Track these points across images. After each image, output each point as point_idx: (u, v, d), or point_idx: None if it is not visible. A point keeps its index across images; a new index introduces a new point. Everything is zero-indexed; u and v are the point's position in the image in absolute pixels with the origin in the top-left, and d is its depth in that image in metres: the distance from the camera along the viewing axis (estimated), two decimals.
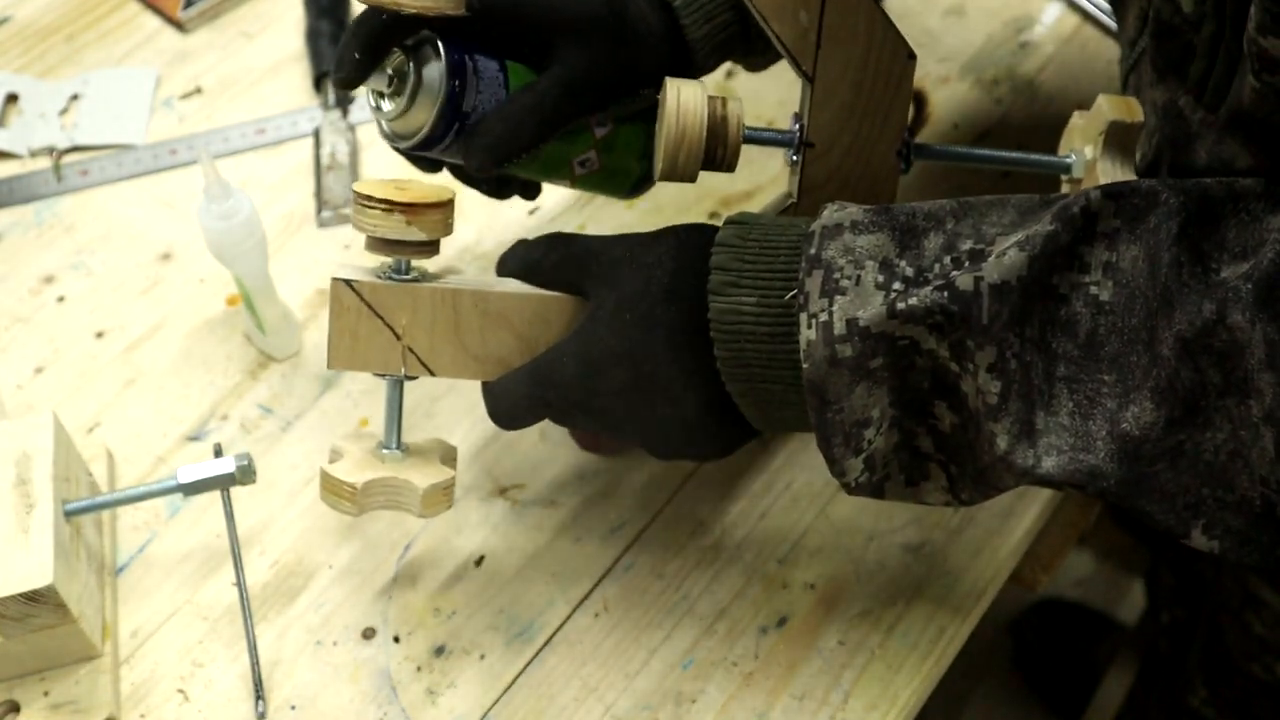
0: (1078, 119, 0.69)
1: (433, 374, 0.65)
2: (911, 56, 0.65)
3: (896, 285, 0.56)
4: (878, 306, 0.55)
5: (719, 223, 0.88)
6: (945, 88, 0.96)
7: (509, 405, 0.65)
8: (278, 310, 0.82)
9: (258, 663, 0.70)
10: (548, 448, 0.76)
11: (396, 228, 0.62)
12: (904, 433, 0.59)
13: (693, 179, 0.65)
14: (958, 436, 0.58)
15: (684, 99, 0.63)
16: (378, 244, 0.63)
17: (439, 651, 0.72)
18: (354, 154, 0.93)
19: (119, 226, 0.90)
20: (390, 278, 0.64)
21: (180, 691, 0.70)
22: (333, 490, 0.64)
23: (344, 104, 0.95)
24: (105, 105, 0.96)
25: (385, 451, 0.66)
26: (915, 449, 0.59)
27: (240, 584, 0.71)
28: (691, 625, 0.72)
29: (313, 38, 0.97)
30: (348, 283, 0.63)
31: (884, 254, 0.57)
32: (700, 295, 0.60)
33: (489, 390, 0.66)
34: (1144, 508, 0.55)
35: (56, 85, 0.97)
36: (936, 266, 0.56)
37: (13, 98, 0.97)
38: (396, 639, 0.72)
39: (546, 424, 0.67)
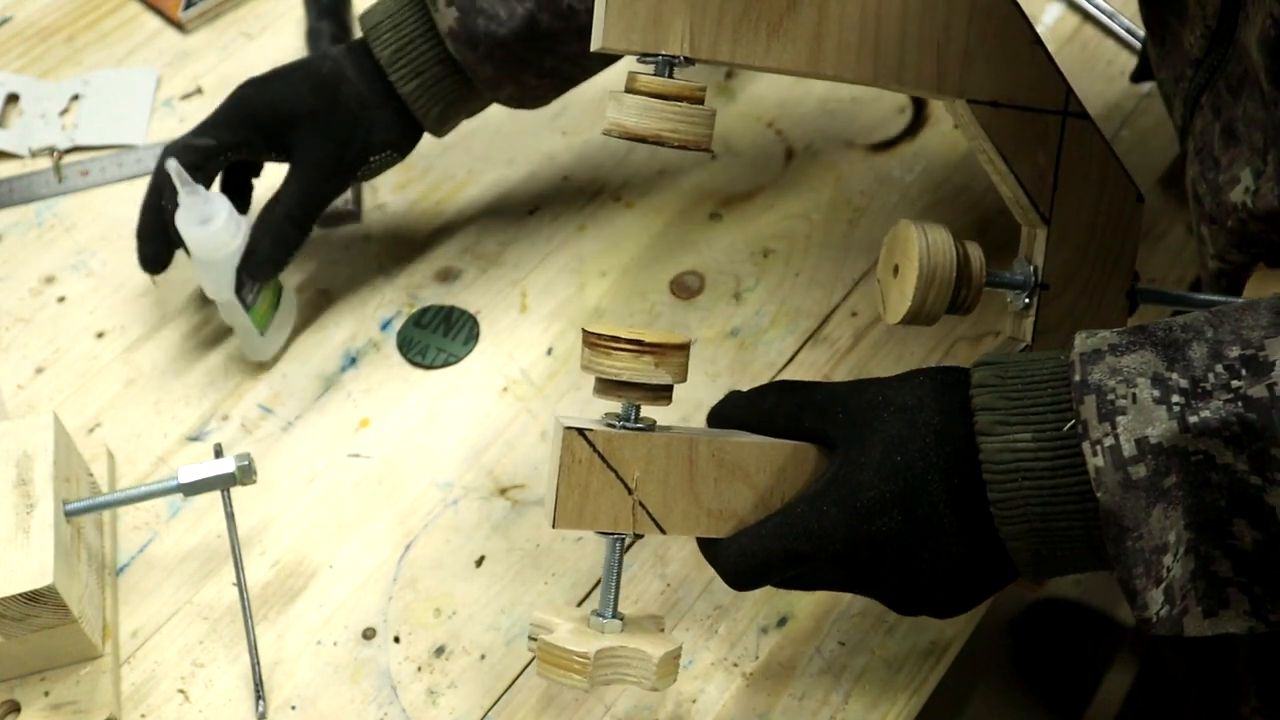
0: (1263, 271, 0.70)
1: (663, 531, 0.61)
2: (1140, 199, 0.66)
3: (1176, 398, 0.54)
4: (1166, 421, 0.54)
5: (720, 222, 0.89)
6: None
7: (757, 561, 0.62)
8: (273, 310, 0.82)
9: (258, 663, 0.70)
10: (548, 448, 0.76)
11: (644, 370, 0.59)
12: (1200, 558, 0.57)
13: (934, 321, 0.64)
14: (1263, 553, 0.56)
15: (932, 241, 0.62)
16: (614, 387, 0.60)
17: (439, 651, 0.72)
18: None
19: (119, 226, 0.90)
20: (625, 426, 0.61)
21: (180, 691, 0.71)
22: (558, 663, 0.59)
23: None
24: (106, 106, 0.96)
25: (603, 620, 0.62)
26: (1212, 575, 0.57)
27: (240, 584, 0.71)
28: (691, 625, 0.72)
29: (313, 38, 0.97)
30: (581, 432, 0.59)
31: (1153, 369, 0.56)
32: (969, 437, 0.59)
33: (728, 548, 0.63)
34: None
35: (57, 85, 0.97)
36: (1210, 376, 0.55)
37: (13, 98, 0.97)
38: (396, 639, 0.72)
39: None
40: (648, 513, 0.61)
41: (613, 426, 0.61)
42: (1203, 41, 0.70)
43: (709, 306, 0.85)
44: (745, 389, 0.67)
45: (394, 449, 0.79)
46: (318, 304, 0.86)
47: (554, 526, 0.60)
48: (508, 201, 0.91)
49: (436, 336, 0.84)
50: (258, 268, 0.78)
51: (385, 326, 0.85)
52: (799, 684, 0.70)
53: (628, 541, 0.60)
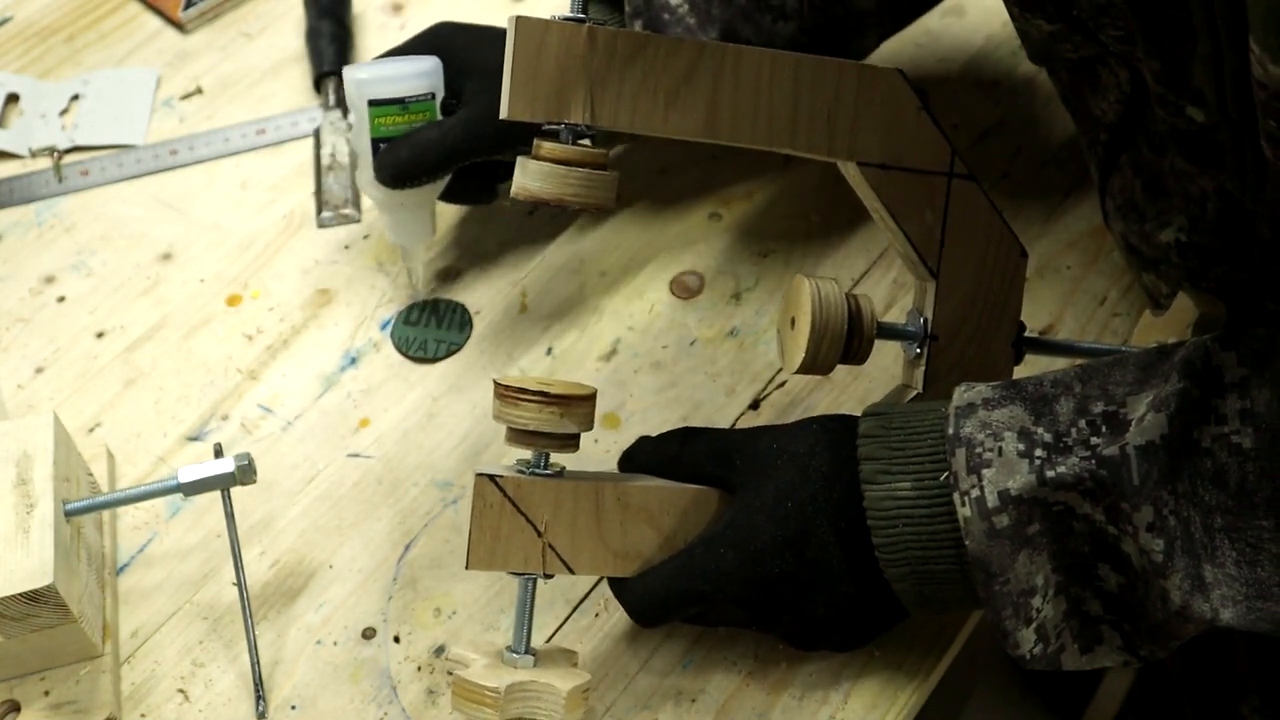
0: (1149, 317, 0.74)
1: (572, 572, 0.64)
2: (1023, 255, 0.69)
3: (1039, 452, 0.58)
4: (1026, 475, 0.57)
5: (718, 222, 0.89)
6: (945, 88, 0.96)
7: (659, 601, 0.65)
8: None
9: (258, 663, 0.70)
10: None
11: (550, 420, 0.61)
12: (1071, 599, 0.60)
13: (829, 370, 0.66)
14: (1126, 595, 0.59)
15: (824, 295, 0.65)
16: (523, 437, 0.62)
17: (439, 651, 0.72)
18: (354, 154, 0.93)
19: (119, 226, 0.90)
20: (534, 473, 0.64)
21: (180, 691, 0.71)
22: (470, 697, 0.62)
23: (344, 104, 0.95)
24: (106, 106, 0.96)
25: (515, 656, 0.64)
26: (1085, 614, 0.60)
27: (240, 584, 0.71)
28: (691, 625, 0.72)
29: (313, 38, 0.97)
30: (492, 478, 0.62)
31: (1020, 424, 0.59)
32: (855, 484, 0.62)
33: (633, 587, 0.66)
34: None
35: (57, 85, 0.97)
36: (1073, 431, 0.58)
37: (13, 98, 0.97)
38: (396, 639, 0.72)
39: None
40: (557, 554, 0.64)
41: (523, 473, 0.64)
42: (1118, 107, 0.72)
43: (709, 306, 0.85)
44: (654, 433, 0.71)
45: (394, 449, 0.79)
46: (318, 304, 0.86)
47: (467, 567, 0.63)
48: (508, 203, 0.91)
49: (430, 330, 0.84)
50: (385, 169, 0.77)
51: (385, 326, 0.85)
52: (799, 684, 0.70)
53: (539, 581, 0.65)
